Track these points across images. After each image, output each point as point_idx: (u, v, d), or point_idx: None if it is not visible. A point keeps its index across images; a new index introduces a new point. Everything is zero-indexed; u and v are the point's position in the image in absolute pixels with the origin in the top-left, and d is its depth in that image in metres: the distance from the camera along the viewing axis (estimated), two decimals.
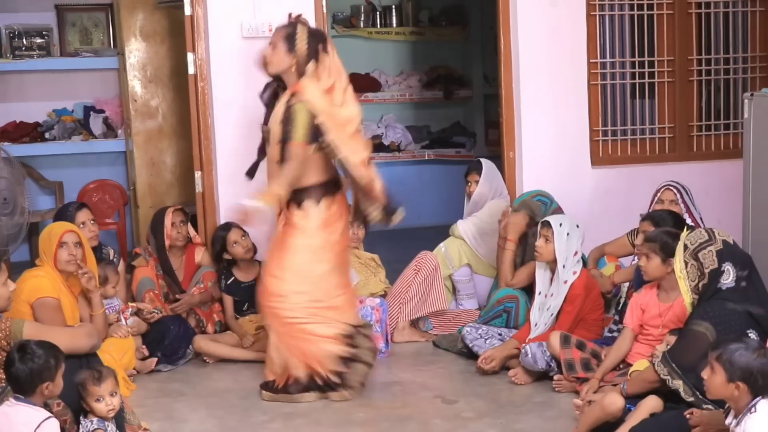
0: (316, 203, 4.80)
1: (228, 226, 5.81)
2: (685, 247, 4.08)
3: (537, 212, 5.67)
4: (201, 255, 6.02)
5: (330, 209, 4.83)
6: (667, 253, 4.40)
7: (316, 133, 4.67)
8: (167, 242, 5.87)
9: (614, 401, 4.07)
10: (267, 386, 4.94)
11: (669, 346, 4.12)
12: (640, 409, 3.95)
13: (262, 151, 5.06)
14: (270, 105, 4.95)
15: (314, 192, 4.80)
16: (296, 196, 4.80)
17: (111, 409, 3.92)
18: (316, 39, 4.80)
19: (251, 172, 5.08)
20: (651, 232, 4.65)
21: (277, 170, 4.74)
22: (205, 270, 5.92)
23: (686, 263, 4.06)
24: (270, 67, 4.84)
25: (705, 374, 3.41)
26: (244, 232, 5.76)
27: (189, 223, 5.99)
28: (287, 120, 4.67)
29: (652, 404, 3.95)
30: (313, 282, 4.82)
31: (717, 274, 4.01)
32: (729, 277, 4.01)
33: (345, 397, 4.85)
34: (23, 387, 3.64)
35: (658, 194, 5.47)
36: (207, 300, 5.85)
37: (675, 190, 5.41)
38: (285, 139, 4.68)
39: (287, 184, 4.69)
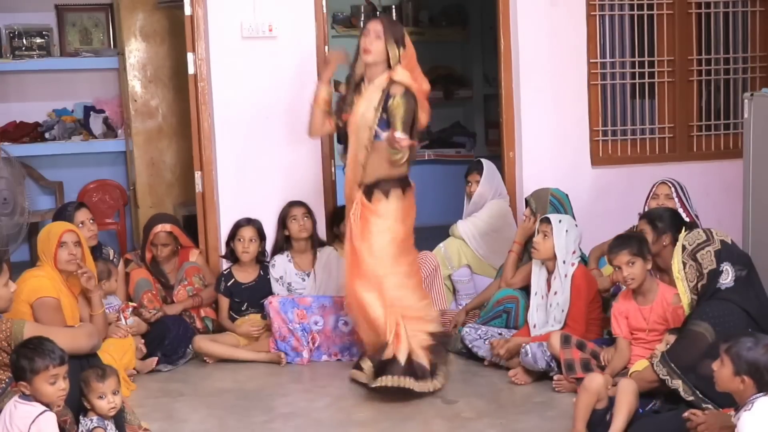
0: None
1: (248, 221, 5.82)
2: (684, 248, 4.08)
3: (541, 210, 5.62)
4: (195, 258, 6.00)
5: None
6: (644, 253, 4.51)
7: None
8: (147, 255, 5.88)
9: (592, 378, 4.14)
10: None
11: (668, 345, 4.13)
12: (621, 397, 3.97)
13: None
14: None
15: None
16: (388, 186, 4.96)
17: (112, 408, 3.93)
18: (402, 30, 5.05)
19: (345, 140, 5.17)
20: (621, 243, 4.63)
21: (366, 155, 4.91)
22: (188, 266, 5.89)
23: (684, 264, 4.07)
24: (371, 57, 4.93)
25: (715, 365, 3.45)
26: (256, 235, 5.77)
27: (176, 237, 5.92)
28: (396, 106, 4.83)
29: (627, 387, 3.99)
30: None
31: (716, 274, 4.01)
32: (728, 277, 4.02)
33: (436, 387, 4.88)
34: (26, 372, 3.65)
35: (654, 189, 5.48)
36: (201, 304, 5.83)
37: (670, 185, 5.42)
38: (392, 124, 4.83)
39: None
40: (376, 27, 4.95)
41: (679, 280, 4.09)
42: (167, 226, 5.89)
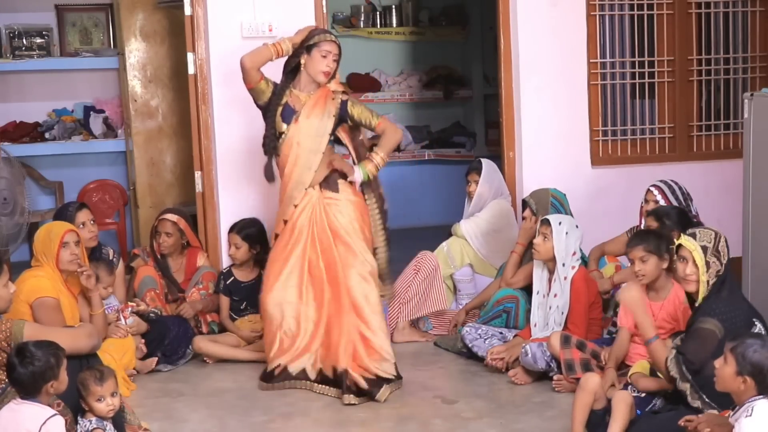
0: None
1: (234, 227, 5.81)
2: (705, 248, 4.04)
3: (542, 211, 5.61)
4: (203, 260, 6.00)
5: None
6: (661, 251, 4.45)
7: None
8: (156, 246, 5.88)
9: (588, 378, 4.13)
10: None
11: (677, 345, 4.08)
12: (616, 408, 3.96)
13: (270, 151, 5.11)
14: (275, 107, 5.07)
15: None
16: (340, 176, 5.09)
17: (111, 410, 3.93)
18: None
19: (271, 175, 5.10)
20: (639, 237, 4.62)
21: (320, 159, 5.01)
22: (205, 270, 5.91)
23: (708, 264, 4.03)
24: (327, 78, 5.04)
25: (717, 363, 3.45)
26: (241, 241, 5.76)
27: (182, 231, 5.91)
28: (359, 108, 5.12)
29: (623, 398, 3.99)
30: None
31: (729, 261, 4.04)
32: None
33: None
34: (28, 389, 3.65)
35: (645, 194, 5.46)
36: (211, 308, 5.84)
37: (657, 190, 5.35)
38: (371, 123, 5.12)
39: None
40: (334, 50, 5.02)
41: (703, 284, 4.04)
42: (174, 216, 5.92)
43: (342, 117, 5.08)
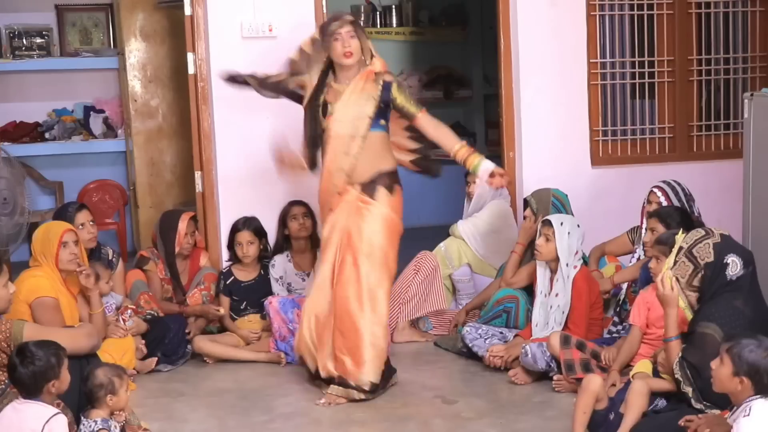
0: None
1: (244, 224, 5.78)
2: (680, 248, 4.05)
3: (543, 211, 5.60)
4: (205, 260, 5.99)
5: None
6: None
7: None
8: (177, 248, 5.83)
9: (590, 379, 4.12)
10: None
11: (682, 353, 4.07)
12: (633, 398, 3.96)
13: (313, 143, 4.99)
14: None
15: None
16: (389, 180, 5.00)
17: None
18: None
19: (314, 163, 5.01)
20: (662, 234, 4.61)
21: (350, 161, 4.85)
22: (207, 271, 5.91)
23: (675, 262, 4.03)
24: (353, 58, 4.83)
25: (714, 364, 3.44)
26: (253, 237, 5.75)
27: (197, 230, 5.95)
28: (403, 95, 4.87)
29: (640, 388, 3.99)
30: None
31: (721, 267, 3.98)
32: (736, 268, 3.98)
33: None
34: (29, 389, 3.67)
35: (648, 195, 5.44)
36: (211, 318, 5.84)
37: (660, 192, 5.33)
38: (411, 113, 4.92)
39: None
40: (346, 27, 4.82)
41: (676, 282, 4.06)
42: (191, 213, 5.91)
43: (386, 100, 4.83)
